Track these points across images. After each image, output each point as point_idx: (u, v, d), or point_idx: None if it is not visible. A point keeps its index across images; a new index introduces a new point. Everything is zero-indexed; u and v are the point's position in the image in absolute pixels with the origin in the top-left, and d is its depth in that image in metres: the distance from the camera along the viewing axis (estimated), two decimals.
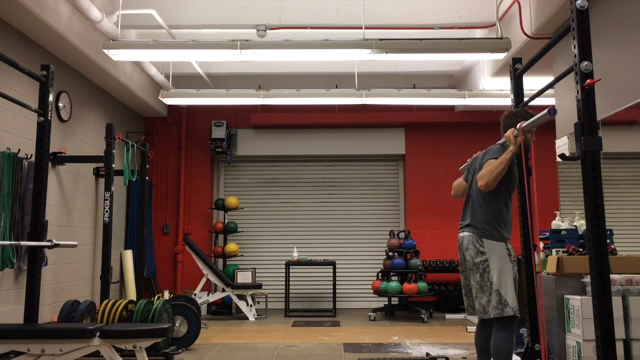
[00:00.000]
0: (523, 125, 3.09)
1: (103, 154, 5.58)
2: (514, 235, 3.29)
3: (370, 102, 6.99)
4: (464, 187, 3.59)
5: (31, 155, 5.17)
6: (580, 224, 4.40)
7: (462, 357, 4.66)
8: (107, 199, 5.43)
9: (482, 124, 8.38)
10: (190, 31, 6.20)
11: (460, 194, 3.63)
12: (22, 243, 3.65)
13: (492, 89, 7.01)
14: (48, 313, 5.64)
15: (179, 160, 8.61)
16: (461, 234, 3.36)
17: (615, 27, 4.23)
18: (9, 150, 4.91)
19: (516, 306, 3.11)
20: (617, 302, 3.66)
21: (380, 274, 7.45)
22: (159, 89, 7.87)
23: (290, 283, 7.75)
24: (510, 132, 3.18)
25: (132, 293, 7.17)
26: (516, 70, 3.71)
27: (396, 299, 7.43)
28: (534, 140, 3.35)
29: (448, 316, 7.37)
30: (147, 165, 6.63)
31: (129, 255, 7.43)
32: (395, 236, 7.59)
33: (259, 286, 7.33)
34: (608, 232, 3.69)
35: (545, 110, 2.71)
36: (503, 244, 3.21)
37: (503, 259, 3.16)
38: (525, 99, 3.67)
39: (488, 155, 3.29)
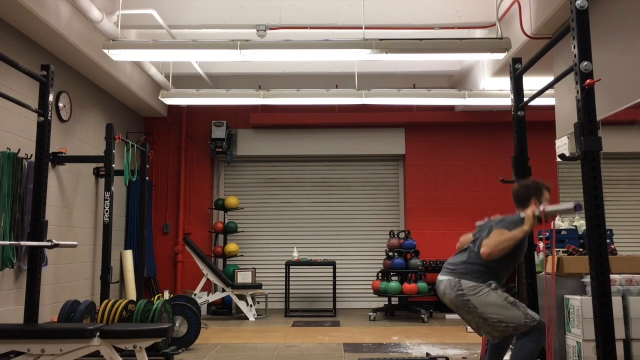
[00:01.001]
0: (546, 211, 2.96)
1: (103, 154, 5.58)
2: None
3: (370, 102, 6.99)
4: (469, 242, 3.35)
5: (31, 155, 5.17)
6: (580, 224, 4.40)
7: (462, 357, 4.66)
8: (107, 199, 5.43)
9: (482, 124, 8.38)
10: (190, 31, 6.20)
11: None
12: (22, 243, 3.65)
13: (492, 89, 7.01)
14: (48, 313, 5.64)
15: (179, 160, 8.61)
16: (440, 277, 3.23)
17: (615, 27, 4.23)
18: (9, 150, 4.91)
19: (516, 321, 3.00)
20: (617, 302, 3.66)
21: (380, 274, 7.45)
22: (159, 89, 7.87)
23: (290, 283, 7.76)
24: (531, 211, 3.02)
25: (132, 293, 7.17)
26: (516, 70, 3.71)
27: (396, 299, 7.43)
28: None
29: (448, 316, 7.37)
30: (147, 165, 6.63)
31: (129, 255, 7.43)
32: (395, 236, 7.59)
33: (259, 286, 7.33)
34: (608, 232, 3.69)
35: (572, 206, 2.65)
36: (483, 284, 3.07)
37: (484, 292, 3.04)
38: (525, 99, 3.67)
39: (503, 223, 3.13)
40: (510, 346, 3.23)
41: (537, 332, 3.01)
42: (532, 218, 3.01)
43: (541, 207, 3.02)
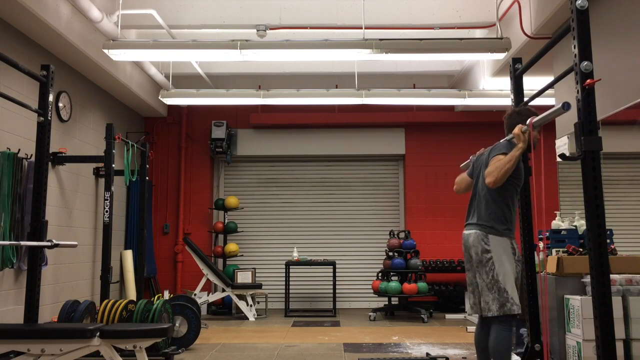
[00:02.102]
0: (534, 121, 3.05)
1: (103, 154, 5.58)
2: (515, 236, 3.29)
3: (370, 102, 6.99)
4: (467, 182, 3.59)
5: (31, 155, 5.16)
6: (580, 224, 4.40)
7: (462, 357, 4.66)
8: (107, 199, 5.43)
9: (482, 124, 8.37)
10: (190, 31, 6.20)
11: (464, 190, 3.63)
12: (22, 243, 3.65)
13: (492, 89, 7.01)
14: (48, 313, 5.64)
15: (179, 160, 8.61)
16: (466, 232, 3.35)
17: (615, 27, 4.23)
18: (9, 150, 4.91)
19: (519, 304, 3.11)
20: (617, 302, 3.66)
21: (380, 274, 7.45)
22: (159, 89, 7.87)
23: (290, 283, 7.75)
24: (518, 129, 3.13)
25: (132, 293, 7.17)
26: (516, 70, 3.71)
27: (396, 299, 7.43)
28: (539, 139, 3.32)
29: (448, 316, 7.37)
30: (147, 165, 6.63)
31: (129, 255, 7.43)
32: (395, 236, 7.59)
33: (259, 286, 7.33)
34: (608, 232, 3.69)
35: (559, 105, 2.67)
36: (508, 240, 3.20)
37: (507, 257, 3.16)
38: (525, 99, 3.67)
39: (495, 151, 3.25)
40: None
41: (512, 321, 3.15)
42: (520, 134, 3.12)
43: (528, 121, 3.12)
